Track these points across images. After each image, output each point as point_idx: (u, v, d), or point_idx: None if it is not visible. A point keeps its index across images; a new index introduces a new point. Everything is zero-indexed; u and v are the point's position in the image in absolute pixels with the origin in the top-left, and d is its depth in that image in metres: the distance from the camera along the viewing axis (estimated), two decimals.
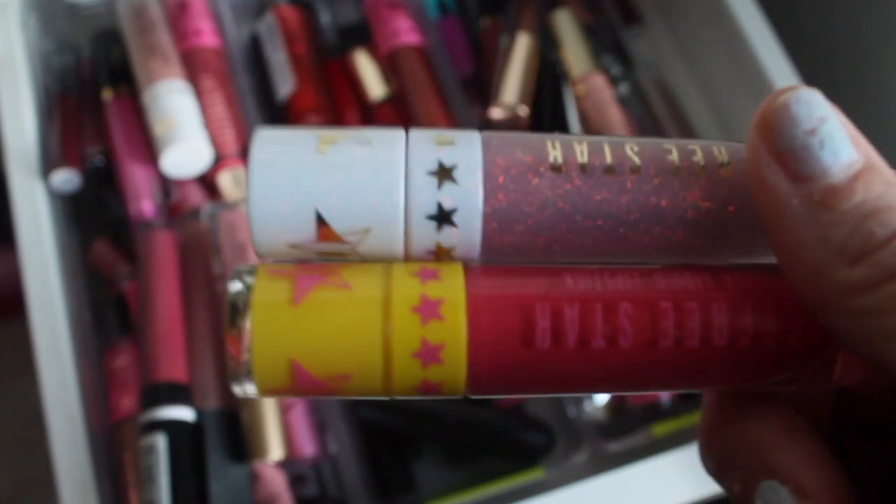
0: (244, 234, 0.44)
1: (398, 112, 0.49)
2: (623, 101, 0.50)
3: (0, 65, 0.47)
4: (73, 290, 0.44)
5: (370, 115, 0.50)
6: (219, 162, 0.47)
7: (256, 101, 0.50)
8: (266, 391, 0.13)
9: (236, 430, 0.41)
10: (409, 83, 0.49)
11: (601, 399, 0.42)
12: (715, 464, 0.15)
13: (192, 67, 0.49)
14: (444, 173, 0.13)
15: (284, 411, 0.42)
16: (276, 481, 0.41)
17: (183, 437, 0.39)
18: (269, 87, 0.51)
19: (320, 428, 0.43)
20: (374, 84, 0.50)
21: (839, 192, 0.12)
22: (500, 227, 0.13)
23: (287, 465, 0.42)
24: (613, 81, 0.50)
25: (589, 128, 0.49)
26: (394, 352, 0.13)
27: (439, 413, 0.42)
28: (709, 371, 0.14)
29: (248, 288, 0.13)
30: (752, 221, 0.14)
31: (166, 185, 0.47)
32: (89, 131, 0.48)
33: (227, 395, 0.42)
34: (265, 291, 0.13)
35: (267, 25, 0.52)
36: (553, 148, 0.14)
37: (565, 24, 0.51)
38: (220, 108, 0.48)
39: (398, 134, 0.14)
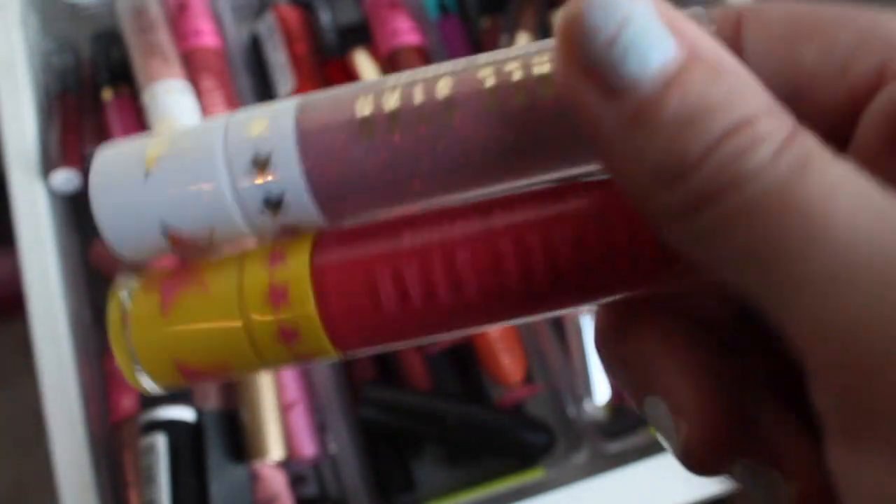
0: None
1: None
2: None
3: (0, 64, 0.47)
4: (73, 290, 0.44)
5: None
6: None
7: (256, 101, 0.50)
8: (164, 385, 0.15)
9: (236, 430, 0.41)
10: None
11: (601, 399, 0.42)
12: (609, 371, 0.15)
13: (192, 67, 0.49)
14: (262, 164, 0.14)
15: (284, 411, 0.42)
16: (276, 481, 0.41)
17: (183, 437, 0.39)
18: (269, 87, 0.51)
19: (320, 428, 0.43)
20: None
21: (651, 105, 0.10)
22: (330, 197, 0.14)
23: (287, 465, 0.42)
24: None
25: None
26: (257, 338, 0.14)
27: (439, 413, 0.42)
28: (563, 294, 0.14)
29: (124, 306, 0.15)
30: (576, 139, 0.13)
31: None
32: (89, 131, 0.48)
33: (227, 395, 0.42)
34: (139, 306, 0.15)
35: (267, 25, 0.52)
36: (364, 103, 0.13)
37: None
38: (220, 109, 0.48)
39: (216, 130, 0.14)
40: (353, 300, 0.14)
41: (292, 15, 0.51)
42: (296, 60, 0.50)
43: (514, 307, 0.14)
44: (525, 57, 0.13)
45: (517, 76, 0.13)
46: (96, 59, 0.51)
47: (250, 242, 0.15)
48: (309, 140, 0.14)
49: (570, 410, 0.43)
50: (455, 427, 0.42)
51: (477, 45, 0.53)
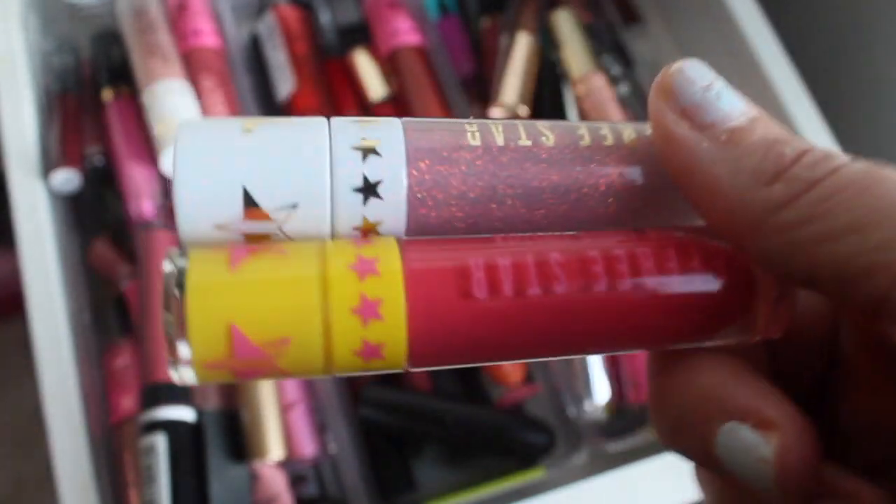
0: None
1: (398, 112, 0.49)
2: (623, 101, 0.50)
3: (0, 64, 0.47)
4: (73, 290, 0.44)
5: (370, 114, 0.50)
6: None
7: (256, 101, 0.50)
8: (204, 364, 0.13)
9: (236, 430, 0.41)
10: (409, 83, 0.49)
11: (601, 399, 0.42)
12: (669, 428, 0.15)
13: (193, 67, 0.49)
14: (367, 148, 0.13)
15: (284, 411, 0.42)
16: (276, 481, 0.41)
17: (183, 437, 0.39)
18: (269, 87, 0.51)
19: (320, 428, 0.43)
20: (374, 84, 0.50)
21: (743, 131, 0.13)
22: (423, 200, 0.14)
23: (287, 465, 0.42)
24: (613, 81, 0.50)
25: None
26: (332, 308, 0.13)
27: (439, 413, 0.42)
28: (649, 322, 0.14)
29: (182, 269, 0.13)
30: (662, 185, 0.15)
31: (166, 186, 0.47)
32: (89, 131, 0.48)
33: (227, 395, 0.42)
34: (199, 261, 0.13)
35: (267, 25, 0.52)
36: (471, 127, 0.14)
37: (565, 24, 0.51)
38: (220, 109, 0.48)
39: (321, 118, 0.14)
40: (442, 284, 0.13)
41: (292, 15, 0.51)
42: (296, 60, 0.50)
43: (600, 326, 0.14)
44: (614, 126, 0.15)
45: (606, 135, 0.15)
46: (96, 59, 0.51)
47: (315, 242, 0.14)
48: (414, 135, 0.14)
49: (570, 410, 0.43)
50: (455, 427, 0.42)
51: (477, 45, 0.53)
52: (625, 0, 0.56)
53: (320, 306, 0.13)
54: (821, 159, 0.13)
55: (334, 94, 0.51)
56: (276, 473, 0.41)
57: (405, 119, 0.14)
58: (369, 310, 0.13)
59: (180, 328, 0.12)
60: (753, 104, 0.14)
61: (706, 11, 0.52)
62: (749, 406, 0.13)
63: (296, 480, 0.42)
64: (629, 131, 0.15)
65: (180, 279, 0.13)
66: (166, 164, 0.46)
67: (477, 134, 0.14)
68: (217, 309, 0.12)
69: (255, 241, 0.13)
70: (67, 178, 0.46)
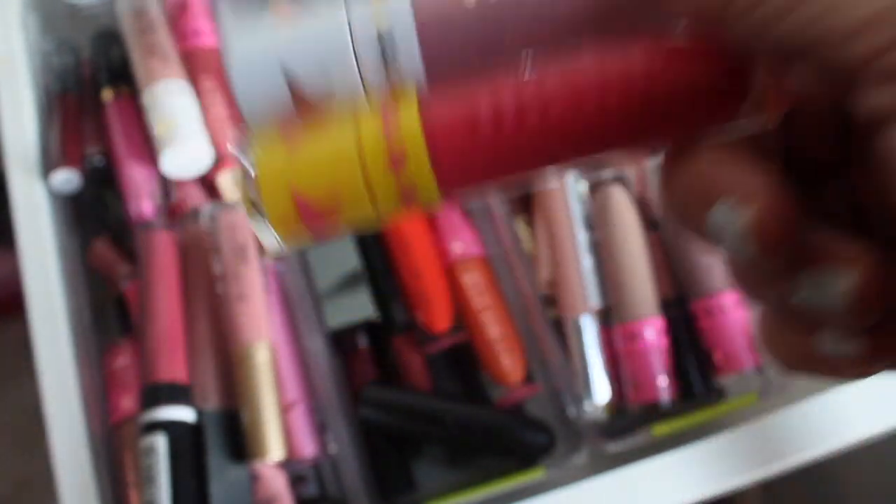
0: (244, 235, 0.44)
1: None
2: None
3: (0, 64, 0.47)
4: (73, 290, 0.44)
5: None
6: (219, 162, 0.47)
7: None
8: (280, 225, 0.16)
9: (236, 430, 0.41)
10: None
11: (601, 399, 0.42)
12: (675, 206, 0.16)
13: (192, 68, 0.49)
14: (381, 24, 0.16)
15: (284, 411, 0.42)
16: (276, 481, 0.41)
17: (183, 438, 0.40)
18: None
19: (320, 428, 0.43)
20: None
21: None
22: (437, 59, 0.16)
23: (287, 465, 0.42)
24: None
25: None
26: (369, 165, 0.15)
27: (439, 413, 0.42)
28: (640, 114, 0.15)
29: (252, 150, 0.16)
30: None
31: (166, 186, 0.47)
32: (89, 131, 0.48)
33: (228, 395, 0.42)
34: (263, 148, 0.16)
35: None
36: None
37: None
38: (220, 109, 0.48)
39: (337, 5, 0.17)
40: (455, 125, 0.15)
41: None
42: None
43: (594, 138, 0.16)
44: None
45: None
46: (96, 59, 0.51)
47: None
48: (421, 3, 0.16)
49: (570, 410, 0.43)
50: (455, 427, 0.42)
51: None
52: None
53: (359, 171, 0.15)
54: None
55: None
56: (276, 474, 0.41)
57: None
58: (398, 161, 0.15)
59: (257, 202, 0.16)
60: None
61: None
62: (734, 182, 0.14)
63: (296, 480, 0.42)
64: None
65: (249, 162, 0.16)
66: (166, 165, 0.46)
67: None
68: (280, 178, 0.16)
69: (310, 113, 0.17)
70: (67, 178, 0.46)
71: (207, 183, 0.48)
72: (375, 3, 0.16)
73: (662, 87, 0.15)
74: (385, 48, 0.16)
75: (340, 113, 0.16)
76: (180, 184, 0.47)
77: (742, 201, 0.14)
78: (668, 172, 0.16)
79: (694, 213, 0.15)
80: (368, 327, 0.45)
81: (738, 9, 0.13)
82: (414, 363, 0.44)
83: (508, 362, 0.43)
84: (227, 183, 0.47)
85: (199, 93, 0.48)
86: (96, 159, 0.48)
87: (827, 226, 0.15)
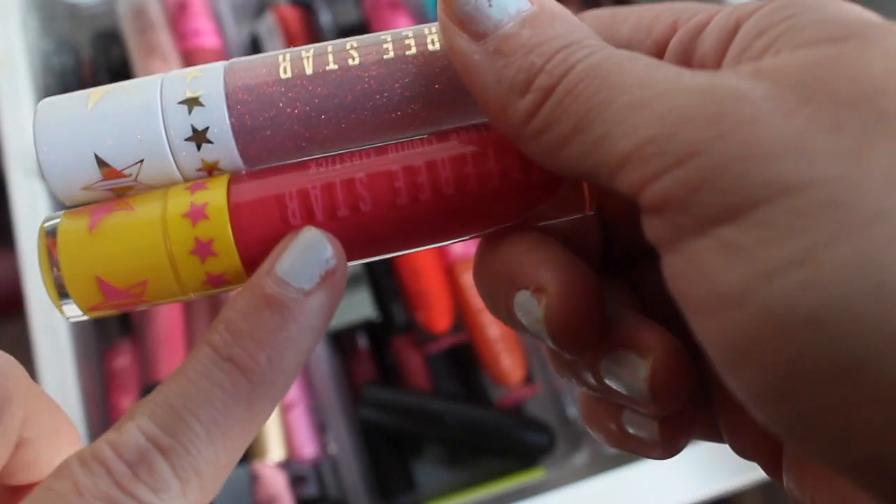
0: None
1: None
2: None
3: (0, 64, 0.47)
4: None
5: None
6: None
7: None
8: (86, 308, 0.16)
9: None
10: None
11: None
12: (485, 297, 0.17)
13: None
14: (192, 101, 0.16)
15: (284, 411, 0.42)
16: (276, 482, 0.41)
17: None
18: None
19: (320, 428, 0.43)
20: None
21: (509, 39, 0.14)
22: (249, 136, 0.16)
23: (287, 465, 0.42)
24: None
25: None
26: (175, 254, 0.15)
27: (439, 413, 0.42)
28: (450, 215, 0.16)
29: (54, 230, 0.16)
30: (461, 88, 0.16)
31: None
32: None
33: None
34: (67, 228, 0.16)
35: (267, 25, 0.52)
36: (283, 61, 0.16)
37: None
38: None
39: (156, 78, 0.16)
40: (263, 217, 0.15)
41: (292, 15, 0.51)
42: None
43: (406, 229, 0.16)
44: (418, 31, 0.16)
45: (410, 41, 0.16)
46: (96, 59, 0.51)
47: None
48: (235, 81, 0.16)
49: (570, 410, 0.43)
50: (455, 427, 0.42)
51: None
52: (625, 0, 0.56)
53: (165, 255, 0.15)
54: (567, 56, 0.13)
55: None
56: (276, 474, 0.41)
57: (229, 62, 0.16)
58: (205, 249, 0.15)
59: (61, 283, 0.16)
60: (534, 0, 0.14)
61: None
62: (531, 274, 0.15)
63: (296, 481, 0.42)
64: (434, 38, 0.16)
65: (52, 241, 0.16)
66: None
67: (288, 67, 0.16)
68: (84, 267, 0.15)
69: (119, 192, 0.16)
70: None
71: None
72: (189, 79, 0.16)
73: (473, 174, 0.15)
74: (197, 120, 0.16)
75: (150, 194, 0.16)
76: None
77: (536, 293, 0.15)
78: (478, 258, 0.17)
79: (498, 299, 0.16)
80: (368, 327, 0.45)
81: (528, 133, 0.14)
82: (414, 363, 0.44)
83: (508, 362, 0.43)
84: None
85: None
86: None
87: (637, 313, 0.16)
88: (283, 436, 0.41)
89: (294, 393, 0.43)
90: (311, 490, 0.42)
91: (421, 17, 0.51)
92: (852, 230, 0.11)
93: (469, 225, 0.16)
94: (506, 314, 0.16)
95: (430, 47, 0.16)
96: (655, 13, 0.15)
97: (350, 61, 0.16)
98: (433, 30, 0.16)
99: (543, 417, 0.43)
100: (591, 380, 0.16)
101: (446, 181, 0.15)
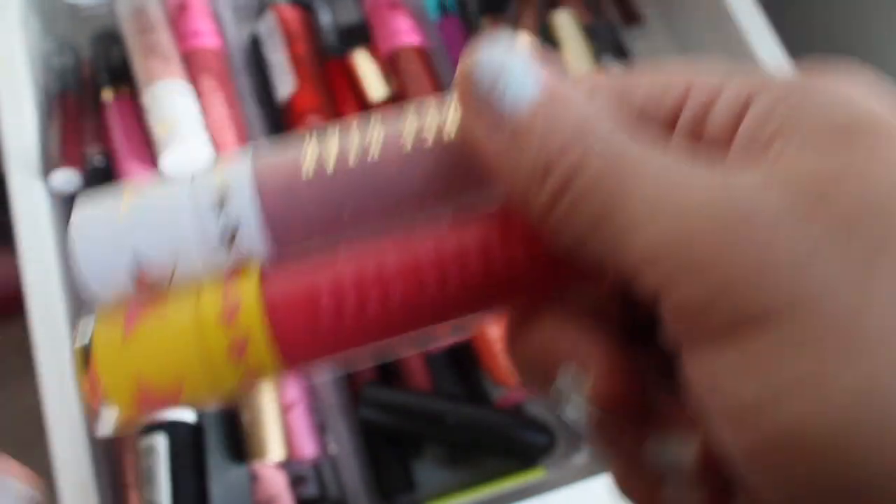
0: None
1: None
2: None
3: (0, 64, 0.47)
4: (72, 290, 0.44)
5: (370, 115, 0.50)
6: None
7: (256, 101, 0.50)
8: (127, 414, 0.16)
9: (236, 431, 0.41)
10: (409, 83, 0.49)
11: None
12: (521, 370, 0.17)
13: (193, 68, 0.49)
14: (221, 202, 0.16)
15: (284, 411, 0.42)
16: (276, 482, 0.41)
17: (183, 438, 0.39)
18: (269, 87, 0.51)
19: (320, 428, 0.43)
20: (374, 84, 0.50)
21: (524, 128, 0.14)
22: (279, 234, 0.16)
23: (287, 465, 0.42)
24: None
25: None
26: (211, 354, 0.15)
27: (439, 413, 0.42)
28: (478, 297, 0.16)
29: (89, 339, 0.16)
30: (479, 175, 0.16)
31: None
32: (89, 131, 0.48)
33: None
34: (102, 337, 0.16)
35: (267, 26, 0.52)
36: (307, 159, 0.16)
37: (565, 24, 0.51)
38: (220, 109, 0.48)
39: (183, 181, 0.16)
40: (296, 310, 0.15)
41: (292, 15, 0.51)
42: (296, 60, 0.50)
43: (435, 314, 0.16)
44: (436, 114, 0.16)
45: (431, 130, 0.16)
46: (96, 59, 0.51)
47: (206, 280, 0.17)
48: (262, 180, 0.16)
49: None
50: (455, 427, 0.42)
51: None
52: (625, 0, 0.56)
53: (201, 360, 0.15)
54: (575, 153, 0.14)
55: (334, 94, 0.51)
56: (276, 474, 0.41)
57: (252, 160, 0.16)
58: (240, 349, 0.15)
59: (98, 389, 0.16)
60: (548, 80, 0.14)
61: (706, 11, 0.52)
62: (574, 351, 0.15)
63: (296, 481, 0.42)
64: (451, 126, 0.16)
65: (88, 349, 0.16)
66: (166, 165, 0.46)
67: (311, 168, 0.16)
68: (122, 372, 0.16)
69: (153, 295, 0.16)
70: (67, 178, 0.46)
71: None
72: (217, 176, 0.16)
73: (500, 259, 0.16)
74: (227, 222, 0.16)
75: (183, 295, 0.16)
76: None
77: (582, 372, 0.15)
78: (512, 341, 0.17)
79: (539, 381, 0.16)
80: None
81: (550, 225, 0.14)
82: (414, 363, 0.44)
83: (508, 362, 0.43)
84: None
85: (199, 93, 0.48)
86: (96, 159, 0.48)
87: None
88: (283, 436, 0.41)
89: (294, 393, 0.43)
90: (311, 490, 0.42)
91: (421, 17, 0.51)
92: (859, 354, 0.11)
93: (495, 306, 0.16)
94: (545, 388, 0.16)
95: (447, 136, 0.16)
96: (666, 80, 0.15)
97: (370, 158, 0.16)
98: (450, 114, 0.16)
99: (543, 417, 0.43)
100: (635, 451, 0.16)
101: (475, 271, 0.16)
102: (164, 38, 0.49)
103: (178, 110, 0.46)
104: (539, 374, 0.16)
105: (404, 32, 0.50)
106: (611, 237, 0.13)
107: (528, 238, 0.16)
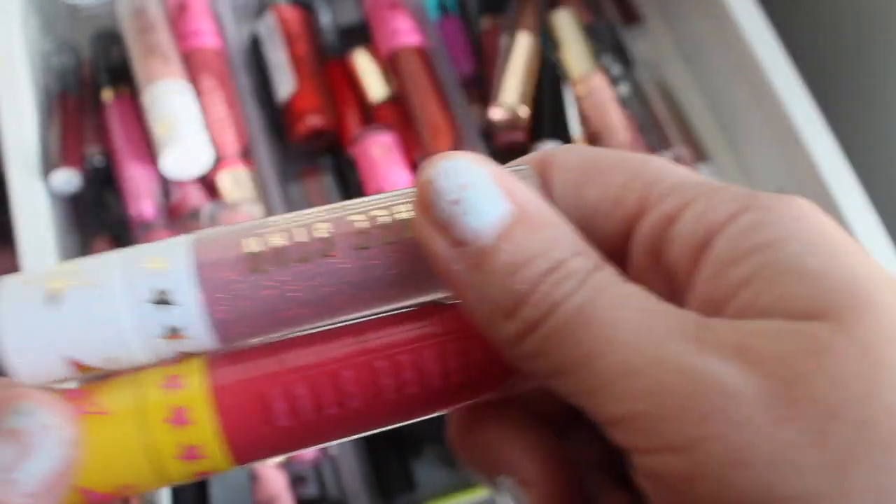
0: None
1: (398, 112, 0.49)
2: (623, 101, 0.50)
3: (0, 65, 0.47)
4: None
5: (370, 115, 0.50)
6: (219, 162, 0.47)
7: (256, 101, 0.50)
8: None
9: None
10: (409, 83, 0.49)
11: None
12: (465, 461, 0.17)
13: (193, 68, 0.49)
14: (161, 299, 0.15)
15: None
16: (276, 482, 0.41)
17: None
18: (269, 87, 0.51)
19: None
20: (374, 84, 0.50)
21: (488, 254, 0.13)
22: (223, 328, 0.15)
23: (287, 465, 0.42)
24: (613, 81, 0.50)
25: (589, 128, 0.49)
26: (160, 460, 0.15)
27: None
28: (433, 402, 0.16)
29: None
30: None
31: (166, 186, 0.47)
32: (89, 131, 0.48)
33: None
34: None
35: (267, 25, 0.52)
36: (251, 247, 0.15)
37: (565, 24, 0.51)
38: (220, 109, 0.48)
39: (111, 266, 0.15)
40: (250, 420, 0.15)
41: (292, 15, 0.51)
42: (296, 60, 0.50)
43: (390, 415, 0.16)
44: (389, 204, 0.15)
45: (383, 220, 0.15)
46: (96, 59, 0.51)
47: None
48: (205, 275, 0.15)
49: None
50: None
51: (477, 45, 0.53)
52: (625, 0, 0.56)
53: (148, 460, 0.15)
54: (550, 290, 0.13)
55: (334, 94, 0.51)
56: (276, 474, 0.41)
57: (189, 248, 0.15)
58: (191, 454, 0.15)
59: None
60: (517, 198, 0.14)
61: (706, 11, 0.52)
62: (517, 464, 0.16)
63: (296, 481, 0.42)
64: (405, 218, 0.15)
65: None
66: (166, 165, 0.46)
67: (256, 257, 0.15)
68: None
69: (89, 388, 0.15)
70: (67, 178, 0.46)
71: (207, 183, 0.48)
72: (150, 270, 0.15)
73: (459, 371, 0.15)
74: (168, 320, 0.15)
75: (121, 392, 0.15)
76: (180, 184, 0.47)
77: (522, 484, 0.15)
78: (458, 439, 0.17)
79: (485, 474, 0.17)
80: None
81: (514, 355, 0.14)
82: None
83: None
84: (227, 183, 0.47)
85: (199, 93, 0.48)
86: (96, 159, 0.48)
87: (611, 487, 0.17)
88: None
89: None
90: (311, 490, 0.42)
91: (421, 17, 0.51)
92: None
93: (449, 405, 0.16)
94: (489, 483, 0.16)
95: (402, 234, 0.15)
96: (622, 181, 0.15)
97: (322, 257, 0.15)
98: (406, 210, 0.15)
99: None
100: None
101: (430, 374, 0.15)
102: (164, 37, 0.49)
103: (177, 110, 0.46)
104: (484, 469, 0.16)
105: (404, 32, 0.50)
106: (581, 389, 0.13)
107: (485, 346, 0.15)
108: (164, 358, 0.15)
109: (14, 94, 0.46)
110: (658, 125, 0.50)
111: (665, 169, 0.15)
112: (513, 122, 0.48)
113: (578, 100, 0.50)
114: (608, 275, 0.13)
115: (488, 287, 0.13)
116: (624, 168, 0.15)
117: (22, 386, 0.14)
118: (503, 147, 0.49)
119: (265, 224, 0.15)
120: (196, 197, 0.47)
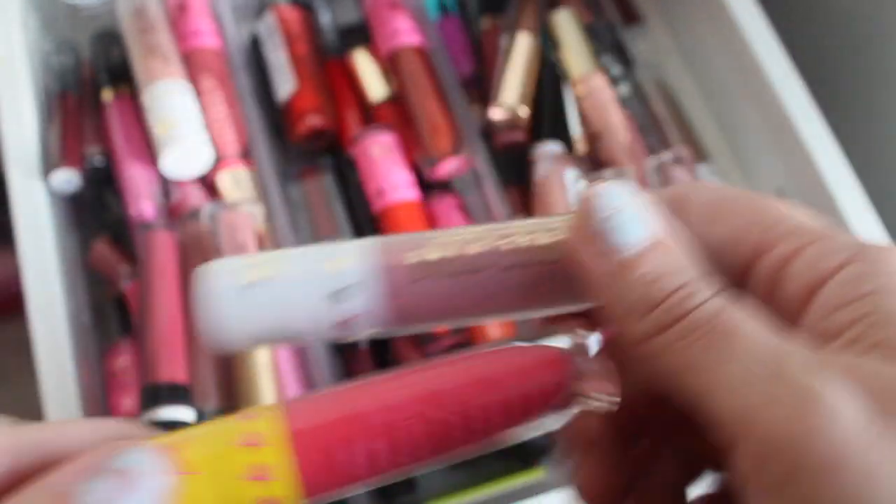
0: (244, 235, 0.44)
1: (398, 112, 0.49)
2: (623, 101, 0.50)
3: (0, 64, 0.47)
4: (73, 290, 0.44)
5: (370, 115, 0.50)
6: (219, 162, 0.47)
7: (256, 101, 0.50)
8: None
9: None
10: (409, 83, 0.49)
11: None
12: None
13: (193, 68, 0.49)
14: (340, 295, 0.17)
15: None
16: None
17: None
18: (269, 87, 0.51)
19: None
20: (374, 84, 0.50)
21: (628, 265, 0.16)
22: (395, 320, 0.18)
23: None
24: (613, 81, 0.50)
25: (589, 128, 0.49)
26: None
27: None
28: (493, 444, 0.18)
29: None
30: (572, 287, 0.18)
31: (166, 186, 0.47)
32: (89, 131, 0.48)
33: (227, 395, 0.42)
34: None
35: (267, 25, 0.52)
36: (429, 253, 0.18)
37: (565, 24, 0.51)
38: (220, 109, 0.48)
39: (298, 261, 0.18)
40: (324, 471, 0.17)
41: (292, 15, 0.51)
42: (296, 60, 0.50)
43: (444, 455, 0.18)
44: (539, 229, 0.18)
45: (523, 244, 0.18)
46: (96, 59, 0.51)
47: None
48: (385, 277, 0.17)
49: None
50: None
51: (477, 45, 0.53)
52: (625, 0, 0.56)
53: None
54: (678, 302, 0.15)
55: (334, 94, 0.51)
56: None
57: (376, 258, 0.18)
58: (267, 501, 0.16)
59: None
60: (656, 228, 0.16)
61: (706, 11, 0.52)
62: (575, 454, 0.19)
63: None
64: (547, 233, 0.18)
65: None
66: (166, 165, 0.46)
67: (429, 265, 0.18)
68: None
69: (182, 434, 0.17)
70: (67, 178, 0.46)
71: (207, 183, 0.48)
72: (339, 264, 0.17)
73: (520, 414, 0.18)
74: (344, 312, 0.17)
75: (210, 455, 0.17)
76: (180, 184, 0.47)
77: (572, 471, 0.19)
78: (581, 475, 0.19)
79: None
80: None
81: (641, 352, 0.16)
82: (414, 362, 0.44)
83: None
84: (227, 183, 0.47)
85: (199, 93, 0.48)
86: (96, 159, 0.48)
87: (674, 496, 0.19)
88: None
89: (294, 392, 0.43)
90: None
91: (421, 17, 0.51)
92: None
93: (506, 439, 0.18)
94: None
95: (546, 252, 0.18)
96: (746, 222, 0.17)
97: (475, 270, 0.18)
98: (553, 232, 0.18)
99: None
100: None
101: (497, 426, 0.17)
102: (164, 38, 0.49)
103: (177, 110, 0.46)
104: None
105: (404, 32, 0.50)
106: (702, 390, 0.15)
107: (546, 389, 0.18)
108: (333, 338, 0.18)
109: (14, 94, 0.46)
110: (658, 125, 0.50)
111: (784, 212, 0.17)
112: (513, 122, 0.48)
113: (578, 100, 0.50)
114: (732, 296, 0.15)
115: (627, 291, 0.16)
116: (748, 207, 0.17)
117: (128, 439, 0.17)
118: (503, 147, 0.49)
119: (434, 237, 0.18)
120: (196, 197, 0.47)
